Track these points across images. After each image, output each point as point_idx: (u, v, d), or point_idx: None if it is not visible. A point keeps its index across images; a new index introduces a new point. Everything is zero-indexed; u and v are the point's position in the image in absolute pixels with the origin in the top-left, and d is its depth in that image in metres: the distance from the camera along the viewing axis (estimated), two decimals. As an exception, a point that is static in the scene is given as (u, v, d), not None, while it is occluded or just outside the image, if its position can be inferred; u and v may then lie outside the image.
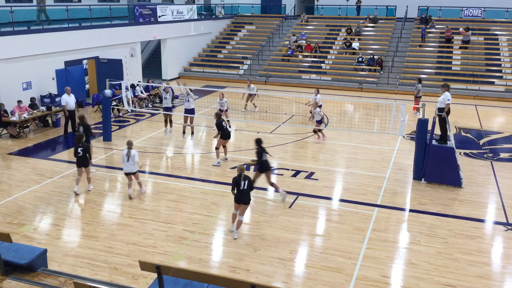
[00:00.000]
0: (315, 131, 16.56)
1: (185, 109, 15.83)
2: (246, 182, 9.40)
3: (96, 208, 10.96)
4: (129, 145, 11.28)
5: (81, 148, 11.33)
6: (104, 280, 7.95)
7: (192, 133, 16.14)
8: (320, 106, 17.71)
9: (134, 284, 7.96)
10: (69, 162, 14.06)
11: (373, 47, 29.84)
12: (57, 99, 18.76)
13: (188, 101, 15.70)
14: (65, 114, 16.61)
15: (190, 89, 16.03)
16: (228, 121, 17.33)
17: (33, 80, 18.93)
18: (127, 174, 11.41)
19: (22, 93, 18.34)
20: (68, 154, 14.87)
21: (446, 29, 28.88)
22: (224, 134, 13.57)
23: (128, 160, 11.18)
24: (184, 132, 16.21)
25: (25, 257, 6.30)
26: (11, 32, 18.27)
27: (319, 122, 16.67)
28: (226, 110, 17.30)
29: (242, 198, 9.49)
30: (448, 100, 12.65)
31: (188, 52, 31.18)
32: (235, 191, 9.45)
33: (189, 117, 15.85)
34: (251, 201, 9.78)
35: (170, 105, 16.53)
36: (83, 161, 11.45)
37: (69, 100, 16.46)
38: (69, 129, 16.81)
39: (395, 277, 8.41)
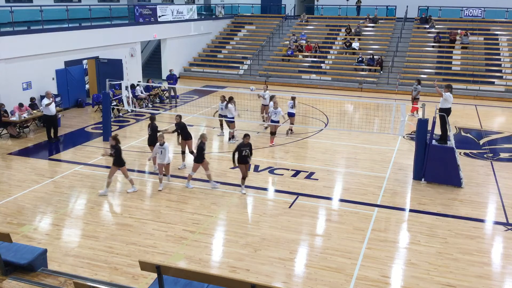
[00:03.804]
0: (273, 133, 15.79)
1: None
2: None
3: (96, 208, 10.97)
4: (160, 138, 11.92)
5: (115, 149, 11.46)
6: (104, 280, 7.95)
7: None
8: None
9: (134, 284, 7.96)
10: (69, 162, 14.08)
11: (373, 47, 29.83)
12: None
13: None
14: (46, 120, 15.93)
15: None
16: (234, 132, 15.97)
17: (33, 80, 18.92)
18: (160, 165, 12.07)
19: (22, 93, 18.34)
20: (65, 154, 14.89)
21: (451, 33, 28.85)
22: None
23: (161, 153, 11.85)
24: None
25: (25, 257, 6.28)
26: (11, 32, 18.28)
27: (276, 122, 15.59)
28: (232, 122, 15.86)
29: (202, 160, 11.90)
30: (443, 100, 12.70)
31: (188, 52, 31.18)
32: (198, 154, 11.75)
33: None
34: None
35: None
36: (118, 161, 11.57)
37: (50, 105, 15.91)
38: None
39: (395, 277, 8.41)
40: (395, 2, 32.88)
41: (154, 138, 12.72)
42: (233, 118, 15.76)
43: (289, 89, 25.93)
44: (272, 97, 16.47)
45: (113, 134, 12.02)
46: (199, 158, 11.82)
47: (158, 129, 13.30)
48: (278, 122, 15.78)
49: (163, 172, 12.18)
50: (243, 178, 11.93)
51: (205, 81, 29.01)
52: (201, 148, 11.76)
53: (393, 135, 15.73)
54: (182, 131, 13.49)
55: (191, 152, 13.45)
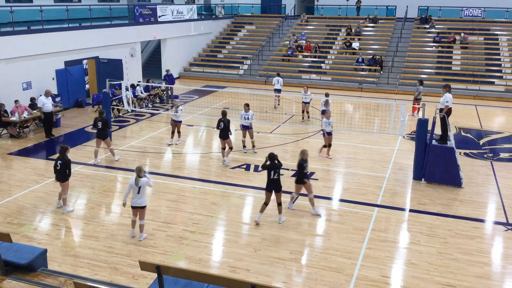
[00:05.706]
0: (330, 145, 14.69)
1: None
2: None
3: (96, 208, 10.97)
4: (139, 172, 9.16)
5: (61, 162, 10.36)
6: (104, 280, 7.96)
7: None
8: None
9: (134, 284, 7.96)
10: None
11: (373, 47, 29.84)
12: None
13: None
14: (41, 117, 16.62)
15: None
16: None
17: (33, 80, 18.93)
18: (133, 208, 9.34)
19: (22, 93, 18.35)
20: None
21: (450, 36, 28.85)
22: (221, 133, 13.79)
23: (138, 192, 9.17)
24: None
25: (25, 257, 6.29)
26: (11, 32, 18.28)
27: (329, 134, 14.55)
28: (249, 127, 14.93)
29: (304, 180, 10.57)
30: (447, 102, 12.68)
31: (188, 52, 31.18)
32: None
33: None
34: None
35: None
36: (59, 175, 10.46)
37: (46, 102, 16.31)
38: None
39: (395, 277, 8.41)
40: (395, 2, 32.88)
41: (105, 132, 13.63)
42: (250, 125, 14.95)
43: (289, 89, 25.92)
44: (326, 105, 16.52)
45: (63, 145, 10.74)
46: (301, 178, 10.45)
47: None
48: (331, 133, 14.54)
49: (137, 216, 9.43)
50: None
51: (205, 81, 29.01)
52: (301, 166, 10.41)
53: (393, 135, 15.73)
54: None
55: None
